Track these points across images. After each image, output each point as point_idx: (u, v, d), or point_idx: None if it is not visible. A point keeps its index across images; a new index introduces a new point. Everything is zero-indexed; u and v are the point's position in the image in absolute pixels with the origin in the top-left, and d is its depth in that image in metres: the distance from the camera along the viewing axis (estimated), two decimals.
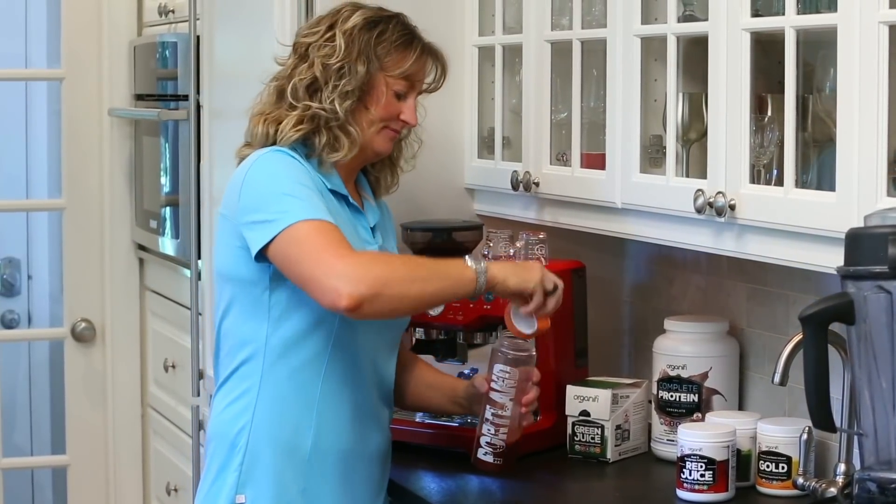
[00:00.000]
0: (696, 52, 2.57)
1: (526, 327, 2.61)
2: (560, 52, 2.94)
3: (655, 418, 2.86)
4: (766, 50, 2.47)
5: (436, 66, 2.70)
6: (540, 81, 2.97)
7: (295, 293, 2.51)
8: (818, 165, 2.44)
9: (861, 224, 2.10)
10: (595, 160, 2.87)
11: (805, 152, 2.43)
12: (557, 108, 2.99)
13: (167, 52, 4.20)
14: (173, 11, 4.24)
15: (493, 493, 2.66)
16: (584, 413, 2.85)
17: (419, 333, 2.98)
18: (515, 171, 3.03)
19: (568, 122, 2.94)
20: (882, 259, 2.02)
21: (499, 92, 3.15)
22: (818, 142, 2.44)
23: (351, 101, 2.59)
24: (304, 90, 2.60)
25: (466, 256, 2.56)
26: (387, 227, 2.75)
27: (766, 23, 2.40)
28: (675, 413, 2.81)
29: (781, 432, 2.60)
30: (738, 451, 2.61)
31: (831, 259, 2.17)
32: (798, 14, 2.31)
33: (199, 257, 3.84)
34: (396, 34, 2.63)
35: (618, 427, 2.85)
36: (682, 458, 2.58)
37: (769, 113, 2.48)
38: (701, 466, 2.56)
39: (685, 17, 2.61)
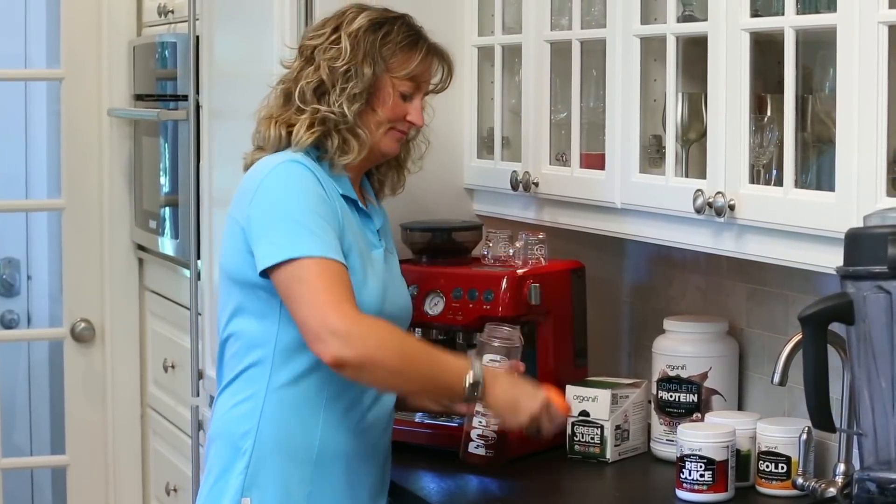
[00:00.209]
0: (695, 53, 2.57)
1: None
2: (559, 52, 2.94)
3: (655, 418, 2.86)
4: (765, 50, 2.47)
5: (442, 66, 2.70)
6: (539, 81, 2.97)
7: None
8: (817, 165, 2.44)
9: (860, 224, 2.10)
10: (594, 160, 2.87)
11: (804, 152, 2.43)
12: (557, 108, 2.99)
13: (167, 53, 4.20)
14: (173, 11, 4.24)
15: (492, 493, 2.66)
16: (584, 413, 2.85)
17: (418, 333, 2.98)
18: (515, 172, 3.03)
19: (567, 123, 2.94)
20: (881, 259, 2.02)
21: (498, 92, 3.15)
22: (818, 142, 2.44)
23: (359, 104, 2.58)
24: (312, 93, 2.59)
25: (472, 365, 2.49)
26: (387, 230, 2.75)
27: (766, 23, 2.40)
28: (675, 413, 2.81)
29: (781, 432, 2.60)
30: (738, 451, 2.61)
31: (831, 259, 2.17)
32: (797, 14, 2.31)
33: (199, 257, 3.84)
34: (402, 35, 2.62)
35: (617, 427, 2.85)
36: (682, 459, 2.58)
37: (768, 113, 2.48)
38: (700, 466, 2.56)
39: (684, 18, 2.60)
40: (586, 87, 2.91)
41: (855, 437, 2.27)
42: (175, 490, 4.30)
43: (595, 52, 2.88)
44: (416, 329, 2.97)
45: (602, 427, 2.83)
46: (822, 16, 2.27)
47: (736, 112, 2.42)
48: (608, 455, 2.83)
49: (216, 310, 2.99)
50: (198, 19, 3.79)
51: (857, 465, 2.20)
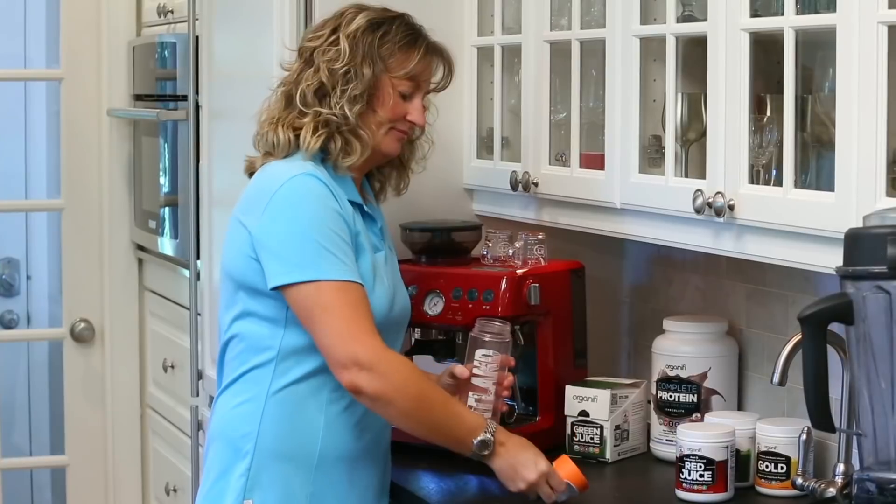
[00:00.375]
0: (695, 53, 2.57)
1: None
2: (559, 52, 2.94)
3: (654, 418, 2.86)
4: (765, 50, 2.47)
5: (442, 64, 2.70)
6: (539, 82, 2.97)
7: None
8: (817, 166, 2.44)
9: (860, 224, 2.10)
10: (594, 160, 2.87)
11: (804, 152, 2.43)
12: (556, 108, 2.99)
13: (166, 53, 4.20)
14: (172, 12, 4.24)
15: (492, 493, 2.66)
16: (583, 413, 2.85)
17: (418, 333, 2.99)
18: (514, 172, 3.03)
19: (567, 123, 2.94)
20: (881, 259, 2.02)
21: (498, 92, 3.15)
22: (817, 142, 2.43)
23: (360, 105, 2.58)
24: (313, 95, 2.59)
25: (487, 425, 2.51)
26: (386, 229, 2.75)
27: (765, 23, 2.39)
28: (674, 413, 2.81)
29: (780, 432, 2.60)
30: (738, 451, 2.61)
31: (830, 259, 2.17)
32: (797, 14, 2.31)
33: (199, 257, 3.84)
34: (400, 34, 2.62)
35: (617, 427, 2.85)
36: (681, 459, 2.58)
37: (768, 113, 2.48)
38: (700, 467, 2.56)
39: (684, 18, 2.60)
40: (586, 88, 2.91)
41: (854, 438, 2.27)
42: (174, 490, 4.30)
43: (595, 53, 2.88)
44: (416, 329, 2.97)
45: (601, 427, 2.83)
46: (821, 16, 2.27)
47: (735, 112, 2.42)
48: (608, 455, 2.83)
49: (216, 310, 2.99)
50: (197, 19, 3.79)
51: (856, 466, 2.20)
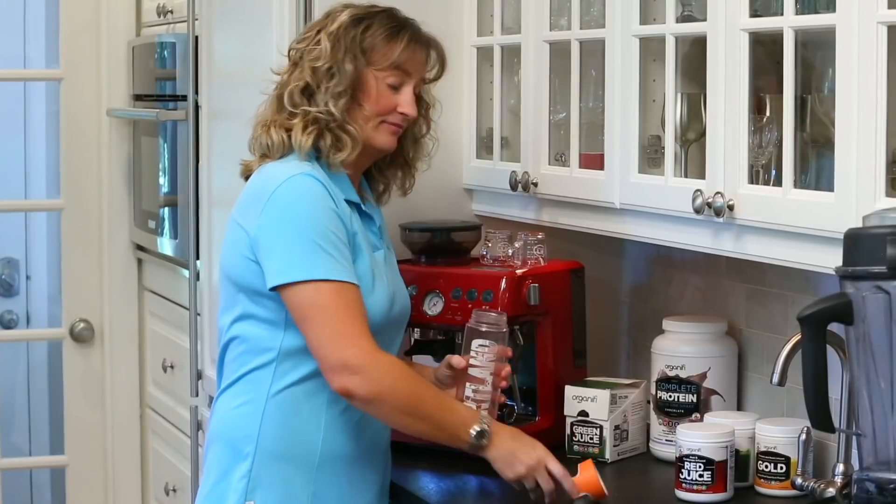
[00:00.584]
0: (694, 53, 2.57)
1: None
2: (558, 52, 2.94)
3: (654, 418, 2.86)
4: (765, 50, 2.47)
5: (430, 54, 2.69)
6: (538, 82, 2.97)
7: None
8: (817, 166, 2.44)
9: (859, 224, 2.10)
10: (593, 160, 2.87)
11: (804, 153, 2.43)
12: (556, 108, 2.99)
13: (166, 53, 4.20)
14: (172, 12, 4.24)
15: (492, 493, 2.66)
16: (583, 413, 2.85)
17: (417, 333, 2.99)
18: (514, 172, 3.03)
19: (566, 123, 2.94)
20: (880, 259, 2.02)
21: (497, 92, 3.15)
22: (817, 142, 2.43)
23: (344, 101, 2.58)
24: (300, 95, 2.59)
25: (480, 416, 2.52)
26: (384, 227, 2.75)
27: (765, 23, 2.39)
28: (674, 413, 2.81)
29: (780, 432, 2.60)
30: (737, 451, 2.61)
31: (830, 259, 2.17)
32: (797, 14, 2.30)
33: (198, 258, 3.84)
34: (383, 27, 2.62)
35: (616, 427, 2.85)
36: (681, 459, 2.58)
37: (768, 113, 2.48)
38: (699, 467, 2.56)
39: (684, 18, 2.60)
40: (585, 88, 2.91)
41: (854, 438, 2.28)
42: (174, 490, 4.30)
43: (594, 53, 2.88)
44: (416, 329, 2.97)
45: (601, 427, 2.83)
46: (821, 16, 2.27)
47: (735, 112, 2.42)
48: (607, 455, 2.83)
49: (215, 310, 2.99)
50: (197, 19, 3.79)
51: (856, 466, 2.20)
